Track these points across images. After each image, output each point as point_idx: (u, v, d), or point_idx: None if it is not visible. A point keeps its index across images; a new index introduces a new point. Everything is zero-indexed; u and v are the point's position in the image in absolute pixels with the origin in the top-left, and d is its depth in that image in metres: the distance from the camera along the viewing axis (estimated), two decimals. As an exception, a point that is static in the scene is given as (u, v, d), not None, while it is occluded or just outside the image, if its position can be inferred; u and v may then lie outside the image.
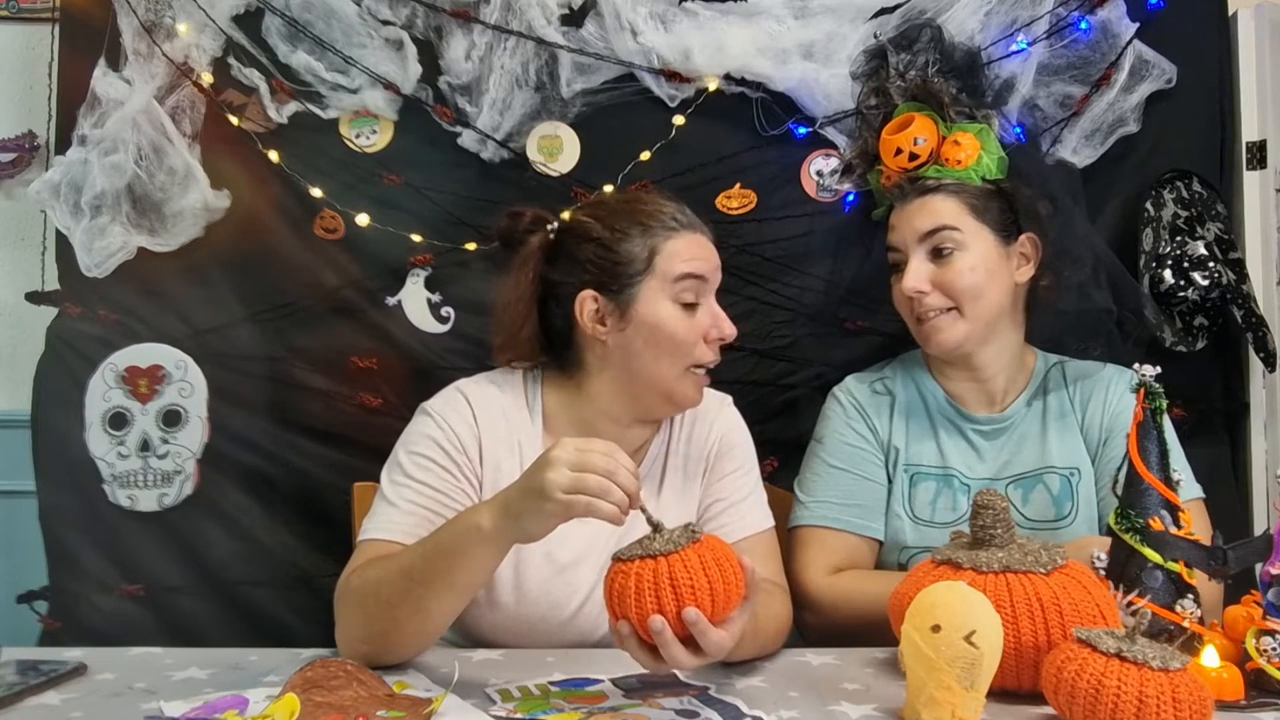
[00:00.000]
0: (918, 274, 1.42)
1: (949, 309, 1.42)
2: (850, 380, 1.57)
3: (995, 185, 1.46)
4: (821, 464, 1.50)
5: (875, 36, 1.66)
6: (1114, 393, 1.48)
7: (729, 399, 1.42)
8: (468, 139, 1.81)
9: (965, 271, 1.41)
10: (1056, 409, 1.49)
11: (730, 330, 1.27)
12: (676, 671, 1.07)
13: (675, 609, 0.91)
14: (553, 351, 1.33)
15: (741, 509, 1.32)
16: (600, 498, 0.96)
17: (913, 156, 1.47)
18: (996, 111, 1.56)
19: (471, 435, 1.25)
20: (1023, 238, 1.47)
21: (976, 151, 1.47)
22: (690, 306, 1.25)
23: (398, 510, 1.19)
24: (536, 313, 1.30)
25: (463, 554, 1.03)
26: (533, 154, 1.82)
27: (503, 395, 1.30)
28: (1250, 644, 1.04)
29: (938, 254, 1.42)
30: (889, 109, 1.54)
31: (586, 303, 1.26)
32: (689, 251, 1.26)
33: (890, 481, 1.49)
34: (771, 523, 1.36)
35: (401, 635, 1.08)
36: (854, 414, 1.52)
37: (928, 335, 1.45)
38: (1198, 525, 1.25)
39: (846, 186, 1.68)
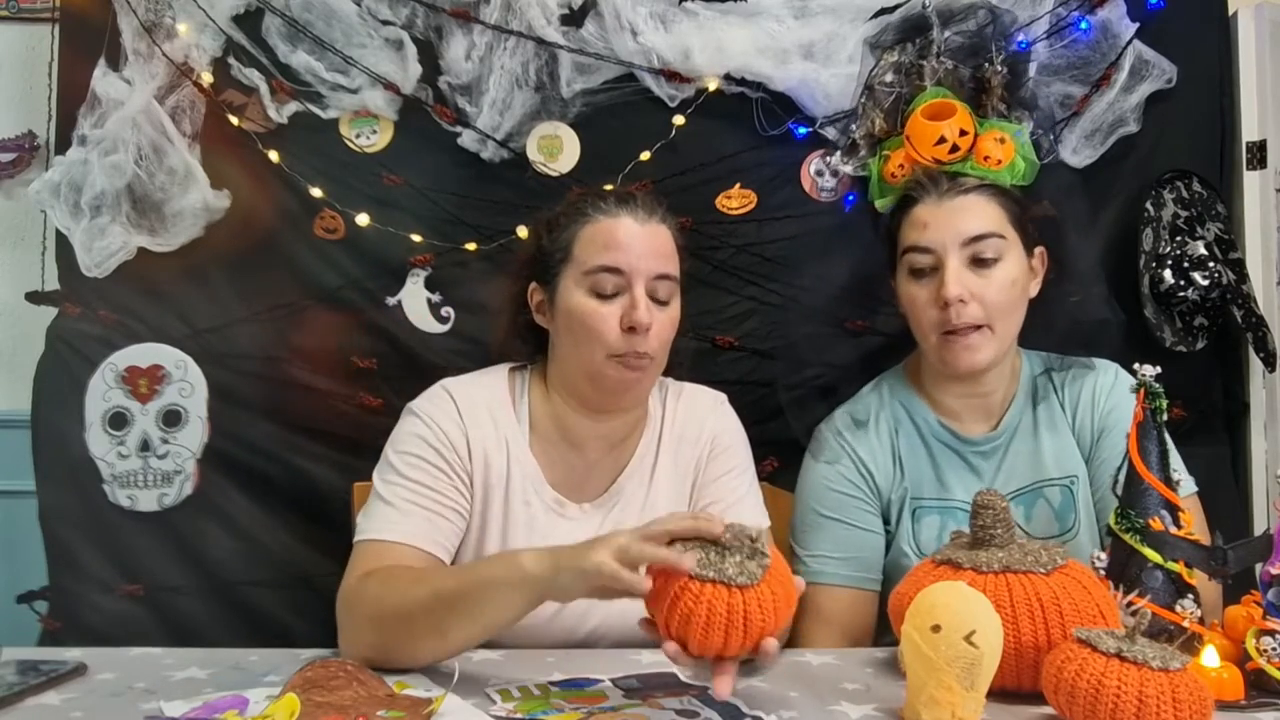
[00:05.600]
0: (961, 280, 1.29)
1: (981, 326, 1.31)
2: (837, 418, 1.47)
3: (1021, 191, 1.39)
4: (813, 514, 1.41)
5: (924, 6, 1.51)
6: (1101, 391, 1.42)
7: (724, 398, 1.41)
8: (468, 139, 1.81)
9: (1007, 285, 1.31)
10: (1047, 418, 1.42)
11: (640, 319, 1.20)
12: (677, 671, 1.07)
13: (741, 643, 0.91)
14: (537, 350, 1.36)
15: (738, 510, 1.31)
16: (638, 563, 0.94)
17: (954, 148, 1.36)
18: (1030, 114, 1.46)
19: (459, 432, 1.25)
20: (1038, 250, 1.40)
21: (1014, 153, 1.39)
22: (609, 297, 1.22)
23: (395, 510, 1.18)
24: (518, 311, 1.35)
25: (497, 589, 1.03)
26: (533, 154, 1.82)
27: (488, 393, 1.31)
28: (1250, 644, 1.04)
29: (978, 262, 1.31)
30: (909, 90, 1.43)
31: (534, 294, 1.31)
32: (603, 240, 1.23)
33: (892, 524, 1.41)
34: (768, 523, 1.35)
35: (414, 652, 1.07)
36: (843, 457, 1.42)
37: (957, 354, 1.32)
38: (1195, 520, 1.24)
39: (847, 169, 1.56)
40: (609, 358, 1.23)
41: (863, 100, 1.54)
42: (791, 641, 1.33)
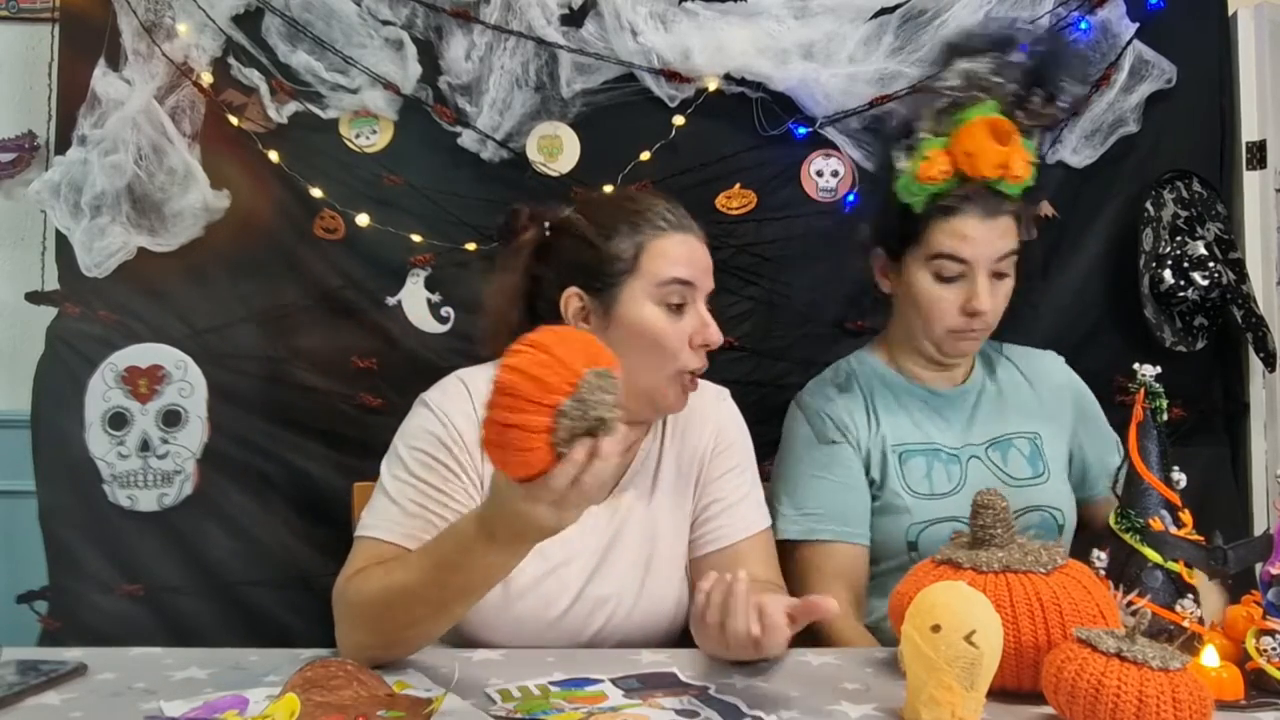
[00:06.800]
0: (989, 292, 1.40)
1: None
2: (812, 387, 1.55)
3: None
4: (803, 475, 1.46)
5: (1031, 24, 1.59)
6: (1059, 371, 1.56)
7: (726, 392, 1.40)
8: (468, 139, 1.82)
9: (1008, 294, 1.44)
10: (1007, 381, 1.54)
11: (716, 337, 1.23)
12: (676, 671, 1.07)
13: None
14: None
15: (740, 509, 1.31)
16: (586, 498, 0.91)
17: (1006, 173, 1.39)
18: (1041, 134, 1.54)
19: (471, 427, 1.23)
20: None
21: (1031, 172, 1.45)
22: (676, 309, 1.22)
23: (400, 510, 1.18)
24: (524, 307, 1.29)
25: (475, 568, 0.99)
26: (533, 154, 1.82)
27: None
28: (1250, 644, 1.04)
29: (996, 274, 1.41)
30: (967, 98, 1.44)
31: (571, 300, 1.25)
32: (676, 254, 1.23)
33: (875, 473, 1.47)
34: (769, 521, 1.35)
35: (415, 638, 1.07)
36: (825, 419, 1.49)
37: (960, 347, 1.46)
38: None
39: (900, 160, 1.50)
40: (677, 373, 1.23)
41: (915, 94, 1.58)
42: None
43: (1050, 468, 1.48)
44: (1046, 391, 1.53)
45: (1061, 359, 1.58)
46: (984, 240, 1.39)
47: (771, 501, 1.46)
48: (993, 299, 1.41)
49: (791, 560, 1.42)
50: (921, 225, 1.43)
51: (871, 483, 1.48)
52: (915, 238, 1.44)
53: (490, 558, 0.98)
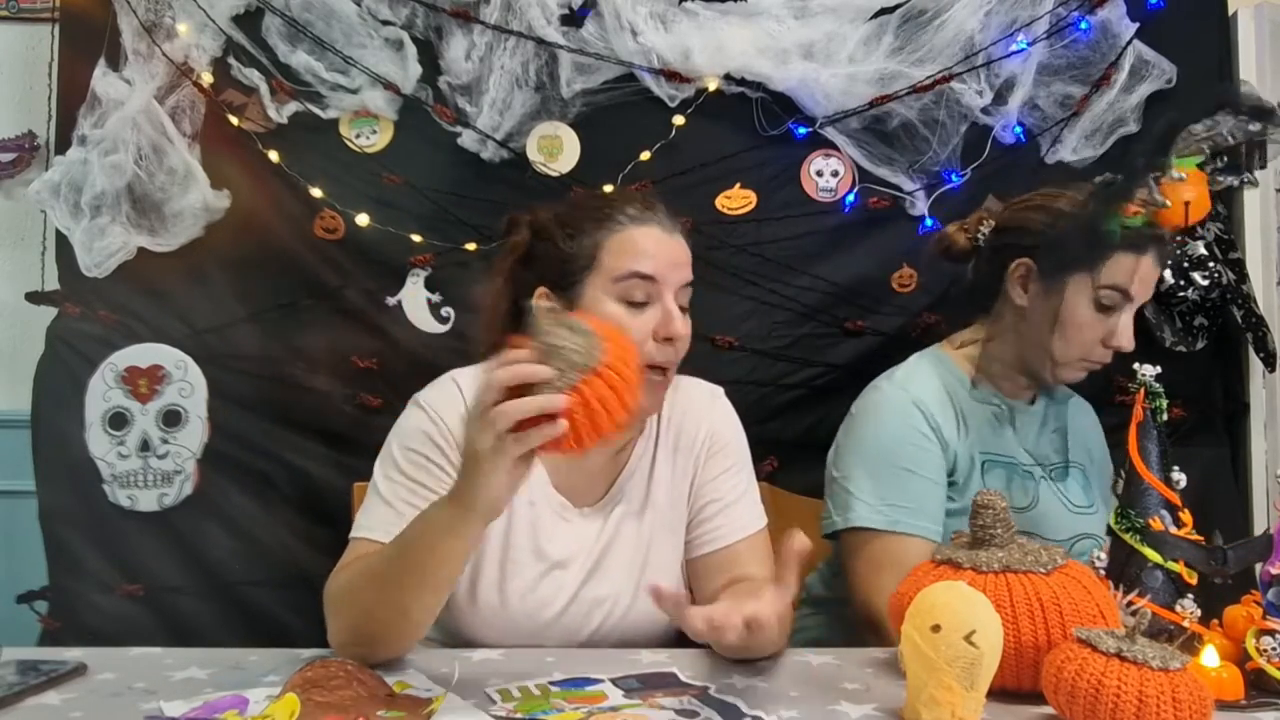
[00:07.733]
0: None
1: None
2: (900, 380, 1.49)
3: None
4: (889, 467, 1.43)
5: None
6: (1100, 437, 1.57)
7: (720, 390, 1.39)
8: (468, 139, 1.82)
9: None
10: (1066, 413, 1.54)
11: (679, 330, 1.19)
12: (676, 671, 1.07)
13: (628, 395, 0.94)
14: None
15: (737, 510, 1.30)
16: (511, 421, 0.91)
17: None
18: None
19: (464, 426, 1.23)
20: None
21: None
22: (639, 305, 1.20)
23: (392, 510, 1.17)
24: (507, 311, 1.28)
25: (431, 549, 1.01)
26: (533, 154, 1.82)
27: None
28: (1250, 644, 1.04)
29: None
30: (1191, 151, 1.47)
31: (540, 300, 1.24)
32: (638, 247, 1.20)
33: (960, 478, 1.45)
34: (765, 521, 1.33)
35: (386, 634, 1.07)
36: (913, 412, 1.45)
37: (1072, 374, 1.45)
38: None
39: (1156, 189, 1.49)
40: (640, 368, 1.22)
41: (1180, 136, 1.57)
42: (872, 594, 1.32)
43: (1097, 501, 1.50)
44: (1089, 431, 1.56)
45: (1089, 405, 1.59)
46: (1150, 283, 1.41)
47: (839, 485, 1.44)
48: None
49: (864, 548, 1.39)
50: (1107, 255, 1.40)
51: (951, 484, 1.45)
52: (1094, 265, 1.41)
53: (444, 518, 0.99)
